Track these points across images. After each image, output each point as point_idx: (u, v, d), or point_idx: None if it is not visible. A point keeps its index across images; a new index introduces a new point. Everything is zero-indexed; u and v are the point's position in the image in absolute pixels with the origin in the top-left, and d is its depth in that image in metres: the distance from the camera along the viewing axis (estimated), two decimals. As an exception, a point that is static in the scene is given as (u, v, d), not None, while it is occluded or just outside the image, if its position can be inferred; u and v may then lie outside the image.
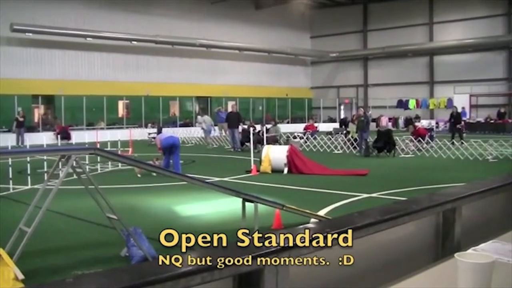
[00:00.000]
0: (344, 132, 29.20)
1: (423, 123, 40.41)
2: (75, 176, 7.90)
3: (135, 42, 41.37)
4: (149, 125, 39.21)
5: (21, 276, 6.02)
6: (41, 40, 37.05)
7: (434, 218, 3.42)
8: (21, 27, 35.18)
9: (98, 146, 19.57)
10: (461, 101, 42.93)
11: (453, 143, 23.02)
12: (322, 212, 10.73)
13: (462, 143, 24.21)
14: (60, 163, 7.43)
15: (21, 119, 32.94)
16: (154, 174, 16.74)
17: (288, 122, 49.10)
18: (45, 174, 14.31)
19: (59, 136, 32.36)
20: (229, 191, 8.88)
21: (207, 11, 45.93)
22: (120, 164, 19.58)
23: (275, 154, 17.78)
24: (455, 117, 28.75)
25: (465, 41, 45.39)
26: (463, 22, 46.60)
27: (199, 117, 33.14)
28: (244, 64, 49.78)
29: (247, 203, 8.75)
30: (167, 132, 19.63)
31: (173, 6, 43.75)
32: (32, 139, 29.23)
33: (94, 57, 40.12)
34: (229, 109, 29.44)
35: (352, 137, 25.98)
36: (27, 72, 35.99)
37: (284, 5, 49.78)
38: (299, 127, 37.10)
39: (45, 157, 16.12)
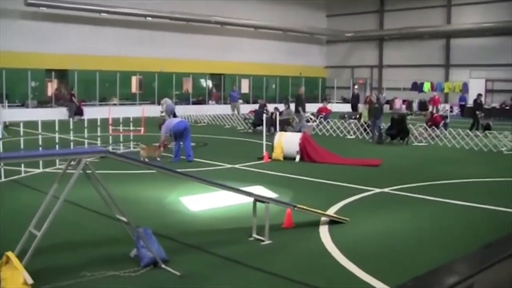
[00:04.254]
0: (357, 116, 28.97)
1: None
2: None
3: (149, 18, 41.10)
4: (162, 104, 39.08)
5: (30, 280, 6.00)
6: (55, 14, 36.88)
7: None
8: (35, 1, 34.99)
9: (110, 122, 19.63)
10: (477, 86, 42.51)
11: (476, 135, 22.54)
12: (334, 208, 10.68)
13: (477, 133, 23.68)
14: (70, 163, 7.34)
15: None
16: (159, 159, 16.85)
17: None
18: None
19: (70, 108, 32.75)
20: (242, 192, 8.82)
21: (223, -12, 45.58)
22: (132, 146, 19.63)
23: (287, 142, 17.68)
24: (478, 105, 28.24)
25: (483, 24, 44.62)
26: (481, 5, 45.83)
27: (162, 100, 32.78)
28: (258, 42, 49.41)
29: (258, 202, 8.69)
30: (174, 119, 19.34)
31: (188, -18, 43.45)
32: (46, 114, 29.30)
33: (108, 32, 39.89)
34: (302, 91, 27.45)
35: (364, 122, 25.79)
36: (41, 46, 35.85)
37: (300, -17, 49.28)
38: (312, 107, 36.79)
39: (56, 135, 16.10)
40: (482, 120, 27.37)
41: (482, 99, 31.09)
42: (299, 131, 24.15)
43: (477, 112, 27.63)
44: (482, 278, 2.80)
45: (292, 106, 29.80)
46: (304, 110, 25.35)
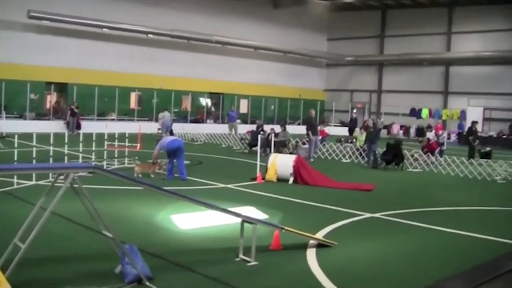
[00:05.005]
0: (354, 140, 29.06)
1: (434, 133, 40.24)
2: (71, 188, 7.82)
3: (151, 35, 41.36)
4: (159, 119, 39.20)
5: (11, 293, 5.98)
6: (58, 28, 37.15)
7: None
8: (38, 14, 35.26)
9: (106, 137, 19.62)
10: (475, 114, 42.62)
11: (471, 163, 22.34)
12: (323, 232, 10.66)
13: (472, 162, 23.34)
14: (58, 177, 7.37)
15: (76, 110, 34.64)
16: (152, 175, 16.94)
17: (299, 124, 48.97)
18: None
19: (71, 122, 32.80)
20: (230, 213, 8.83)
21: (225, 8, 45.90)
22: (126, 162, 19.66)
23: (281, 163, 17.69)
24: (473, 132, 27.92)
25: (482, 53, 45.03)
26: (481, 34, 46.26)
27: (160, 113, 33.05)
28: (258, 62, 49.73)
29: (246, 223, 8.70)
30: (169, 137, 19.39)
31: (191, 1, 43.72)
32: (44, 127, 29.39)
33: (109, 48, 40.16)
34: (313, 114, 26.66)
35: (360, 146, 25.83)
36: (42, 59, 36.08)
37: (302, 6, 49.64)
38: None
39: (51, 148, 16.15)
40: (478, 147, 27.37)
41: (478, 126, 31.03)
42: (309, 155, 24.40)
43: (470, 138, 27.53)
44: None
45: (289, 127, 29.98)
46: (315, 133, 25.25)
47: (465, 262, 8.87)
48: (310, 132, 24.85)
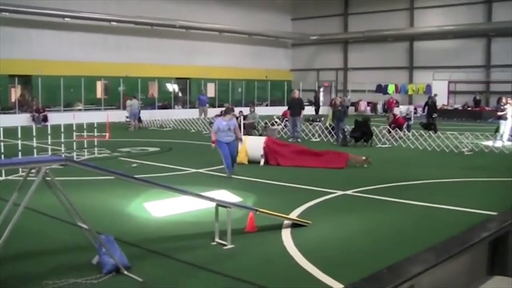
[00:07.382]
0: (322, 119, 29.25)
1: (401, 109, 40.66)
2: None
3: (114, 23, 40.92)
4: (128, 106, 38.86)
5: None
6: (19, 19, 36.49)
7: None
8: (-3, 6, 34.64)
9: (75, 128, 19.43)
10: (440, 88, 43.11)
11: (429, 135, 22.88)
12: (297, 212, 10.78)
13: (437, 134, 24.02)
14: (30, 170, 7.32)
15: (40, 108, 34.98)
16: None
17: (267, 105, 49.07)
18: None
19: (36, 117, 32.34)
20: (203, 197, 8.89)
21: (187, -8, 45.63)
22: (96, 152, 19.54)
23: (251, 145, 17.77)
24: (431, 106, 28.69)
25: (445, 27, 45.49)
26: (444, 8, 46.65)
27: (128, 100, 32.83)
28: (224, 45, 49.57)
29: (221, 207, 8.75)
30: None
31: (153, -13, 43.37)
32: (10, 121, 29.02)
33: (73, 37, 39.63)
34: (295, 95, 26.22)
35: (329, 124, 26.00)
36: (4, 52, 35.31)
37: (265, -14, 49.58)
38: (278, 110, 36.99)
39: (19, 142, 15.96)
40: (435, 121, 28.03)
41: (444, 101, 31.75)
42: (293, 137, 24.63)
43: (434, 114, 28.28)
44: (422, 279, 2.93)
45: (258, 109, 30.05)
46: (295, 114, 25.00)
47: (440, 235, 9.02)
48: (289, 112, 25.37)
